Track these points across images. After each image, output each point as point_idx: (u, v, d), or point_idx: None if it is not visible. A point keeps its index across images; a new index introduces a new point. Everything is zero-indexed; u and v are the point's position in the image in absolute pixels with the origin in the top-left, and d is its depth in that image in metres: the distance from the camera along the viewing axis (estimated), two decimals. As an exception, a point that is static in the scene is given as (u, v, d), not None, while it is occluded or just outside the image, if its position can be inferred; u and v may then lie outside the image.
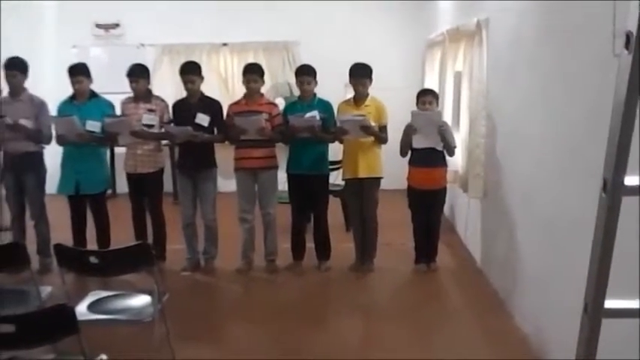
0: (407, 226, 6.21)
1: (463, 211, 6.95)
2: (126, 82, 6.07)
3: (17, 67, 6.03)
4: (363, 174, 5.89)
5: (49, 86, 6.35)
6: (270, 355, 4.46)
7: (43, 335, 2.88)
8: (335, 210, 6.79)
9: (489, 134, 5.62)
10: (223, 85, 9.57)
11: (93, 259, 3.85)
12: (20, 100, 6.04)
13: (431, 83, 7.86)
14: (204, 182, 6.02)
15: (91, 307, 3.92)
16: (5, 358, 3.19)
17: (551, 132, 4.08)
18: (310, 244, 6.23)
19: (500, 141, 5.41)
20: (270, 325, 5.00)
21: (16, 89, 6.06)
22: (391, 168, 6.15)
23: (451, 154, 5.85)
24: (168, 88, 8.58)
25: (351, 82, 5.90)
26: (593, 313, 1.63)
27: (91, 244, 6.06)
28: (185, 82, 5.97)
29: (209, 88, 6.20)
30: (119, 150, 7.41)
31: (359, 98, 5.90)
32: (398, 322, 5.01)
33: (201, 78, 6.02)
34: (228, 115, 6.01)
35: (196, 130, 5.83)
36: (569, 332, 3.37)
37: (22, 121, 5.92)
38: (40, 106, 6.08)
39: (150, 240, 6.01)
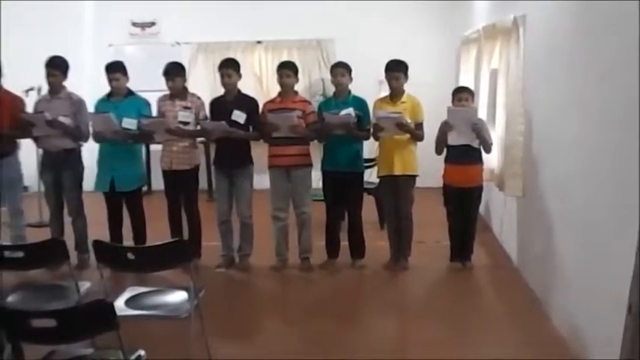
0: (442, 225, 6.18)
1: (499, 209, 6.89)
2: (162, 80, 6.10)
3: (58, 66, 6.11)
4: (398, 172, 5.87)
5: (87, 84, 6.41)
6: (304, 353, 4.45)
7: (82, 330, 2.91)
8: (369, 208, 6.76)
9: (526, 132, 5.56)
10: (258, 83, 9.60)
11: (131, 256, 3.89)
12: (59, 98, 6.13)
13: (466, 80, 7.80)
14: (241, 179, 6.04)
15: (129, 303, 3.95)
16: (45, 353, 3.24)
17: (588, 130, 4.03)
18: (344, 242, 6.23)
19: (537, 139, 5.35)
20: (304, 322, 5.01)
21: (56, 88, 6.15)
22: (427, 166, 6.11)
23: (488, 150, 5.80)
24: (203, 86, 8.68)
25: (386, 78, 5.88)
26: (639, 314, 1.61)
27: (127, 241, 6.12)
28: (222, 76, 5.98)
29: (244, 86, 6.20)
30: (155, 147, 7.49)
31: (395, 95, 5.87)
32: (432, 321, 4.99)
33: (239, 75, 6.04)
34: (262, 112, 6.03)
35: (232, 127, 5.85)
36: (607, 333, 3.35)
37: (61, 119, 6.01)
38: (78, 103, 6.16)
39: (185, 237, 6.05)
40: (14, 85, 6.42)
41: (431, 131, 5.90)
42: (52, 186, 6.28)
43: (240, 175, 6.03)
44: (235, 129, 5.87)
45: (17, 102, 6.27)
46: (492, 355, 4.33)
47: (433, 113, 6.02)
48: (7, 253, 4.02)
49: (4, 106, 6.11)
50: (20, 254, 3.99)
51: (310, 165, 6.08)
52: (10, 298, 3.99)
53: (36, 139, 6.29)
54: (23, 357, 3.40)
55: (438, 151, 5.91)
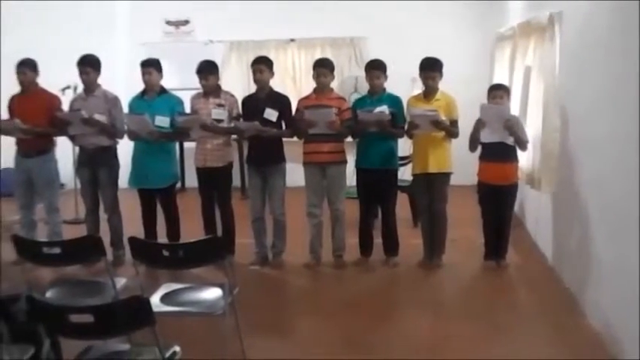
0: (476, 223, 6.13)
1: (533, 206, 6.82)
2: (195, 78, 6.12)
3: (90, 64, 6.17)
4: (432, 169, 5.84)
5: (121, 83, 6.47)
6: (337, 351, 4.44)
7: (120, 326, 2.94)
8: (402, 205, 6.73)
9: (561, 128, 5.49)
10: (291, 80, 9.62)
11: (167, 252, 3.92)
12: (95, 96, 6.20)
13: (500, 78, 7.72)
14: (274, 177, 6.05)
15: (164, 299, 3.97)
16: (83, 348, 3.27)
17: (624, 126, 3.97)
18: (378, 240, 6.21)
19: (573, 135, 5.29)
20: (338, 320, 5.00)
21: (90, 85, 6.22)
22: (461, 163, 6.06)
23: (523, 148, 5.73)
24: (236, 83, 8.72)
25: (421, 76, 5.85)
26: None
27: (161, 238, 6.16)
28: (254, 72, 6.00)
29: (276, 83, 6.22)
30: (188, 144, 7.55)
31: (429, 93, 5.84)
32: (467, 319, 4.95)
33: (272, 72, 6.05)
34: (297, 109, 6.03)
35: (264, 125, 5.86)
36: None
37: (97, 117, 6.07)
38: (113, 101, 6.22)
39: (219, 234, 6.07)
40: (51, 84, 6.52)
41: (465, 129, 5.85)
42: (88, 183, 6.35)
43: (273, 173, 6.04)
44: (268, 127, 5.88)
45: (54, 100, 6.37)
46: (527, 354, 4.30)
47: (467, 110, 5.96)
48: (44, 250, 4.08)
49: (41, 104, 6.21)
50: (57, 250, 4.04)
51: (345, 162, 6.07)
52: (49, 294, 4.05)
53: (72, 137, 6.38)
54: (61, 352, 3.45)
55: (472, 149, 5.86)
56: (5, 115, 6.34)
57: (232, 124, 6.11)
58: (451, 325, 4.86)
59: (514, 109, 6.64)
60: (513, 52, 7.15)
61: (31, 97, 6.27)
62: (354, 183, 6.23)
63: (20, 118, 6.10)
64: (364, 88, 6.31)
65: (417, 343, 4.55)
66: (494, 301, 5.37)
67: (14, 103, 6.33)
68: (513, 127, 5.58)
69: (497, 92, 5.74)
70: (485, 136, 5.70)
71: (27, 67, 6.24)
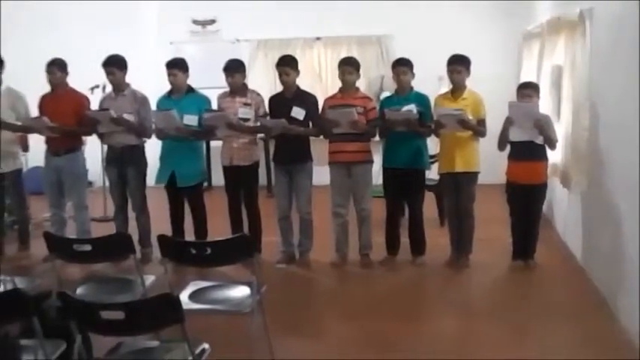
0: (504, 222, 6.08)
1: (562, 206, 6.76)
2: (222, 76, 6.15)
3: (115, 64, 6.22)
4: (459, 168, 5.81)
5: (149, 82, 6.51)
6: (364, 350, 4.44)
7: (150, 323, 2.96)
8: (429, 204, 6.70)
9: (592, 127, 5.43)
10: (317, 79, 9.61)
11: (195, 250, 3.94)
12: (123, 96, 6.25)
13: (528, 76, 7.65)
14: (300, 176, 6.06)
15: (192, 297, 4.00)
16: (113, 344, 3.30)
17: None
18: (405, 239, 6.19)
19: (603, 133, 5.23)
20: (365, 319, 4.99)
21: (119, 85, 6.27)
22: (489, 162, 6.03)
23: (552, 147, 5.67)
24: (262, 82, 8.74)
25: (448, 72, 5.82)
26: None
27: (188, 235, 6.19)
28: (280, 74, 6.02)
29: (303, 82, 6.22)
30: (215, 143, 7.58)
31: (456, 91, 5.81)
32: (494, 320, 4.92)
33: (297, 72, 6.06)
34: (323, 108, 6.03)
35: (291, 123, 5.87)
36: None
37: (125, 116, 6.12)
38: (142, 101, 6.27)
39: (245, 232, 6.09)
40: (79, 84, 6.58)
41: (492, 127, 5.82)
42: (116, 181, 6.40)
43: (299, 172, 6.05)
44: (295, 126, 5.89)
45: (82, 100, 6.44)
46: (555, 355, 4.28)
47: (495, 109, 5.93)
48: (75, 247, 4.12)
49: (70, 104, 6.28)
50: (88, 247, 4.08)
51: (371, 161, 6.06)
52: (79, 291, 4.09)
53: (101, 136, 6.43)
54: (91, 348, 3.49)
55: (500, 147, 5.81)
56: (35, 115, 6.41)
57: (258, 123, 6.13)
58: (479, 325, 4.83)
59: (543, 107, 6.58)
60: (542, 50, 7.09)
61: (60, 96, 6.35)
62: (380, 182, 6.23)
63: (50, 118, 6.18)
64: (389, 87, 6.28)
65: (444, 343, 4.55)
66: (523, 301, 5.33)
67: (44, 103, 6.41)
68: (543, 125, 5.53)
69: (527, 91, 5.68)
70: (514, 135, 5.65)
71: (56, 67, 6.32)
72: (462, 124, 5.64)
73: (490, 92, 6.12)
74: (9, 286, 4.00)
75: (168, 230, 6.13)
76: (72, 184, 6.43)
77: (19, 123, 6.44)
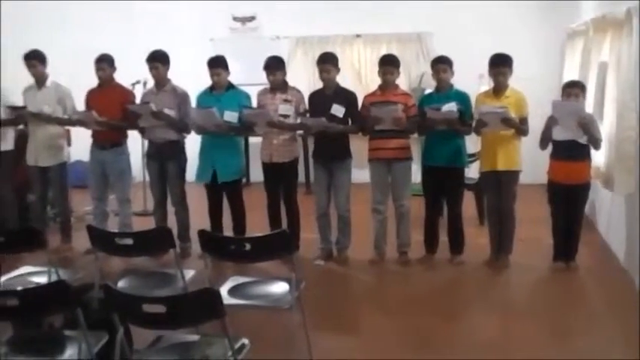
0: (544, 222, 6.01)
1: (605, 207, 6.65)
2: (261, 73, 6.16)
3: (159, 59, 6.28)
4: (501, 167, 5.74)
5: (189, 78, 6.56)
6: (402, 348, 4.43)
7: (190, 317, 2.98)
8: (468, 203, 6.64)
9: (638, 127, 5.33)
10: (356, 76, 9.59)
11: (235, 246, 3.96)
12: (164, 91, 6.31)
13: (570, 74, 7.54)
14: (339, 172, 6.05)
15: (231, 292, 4.02)
16: (153, 338, 3.33)
17: None
18: (443, 238, 6.15)
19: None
20: (402, 317, 4.98)
21: (160, 81, 6.33)
22: (531, 161, 5.96)
23: (597, 147, 5.57)
24: (302, 79, 8.73)
25: (490, 72, 5.75)
26: None
27: (227, 231, 6.22)
28: (321, 72, 6.01)
29: (342, 79, 6.21)
30: (253, 140, 7.61)
31: (498, 89, 5.75)
32: (534, 320, 4.86)
33: (338, 69, 6.05)
34: (363, 105, 6.01)
35: (331, 120, 5.87)
36: None
37: (166, 111, 6.17)
38: (182, 96, 6.31)
39: (284, 229, 6.10)
40: (121, 79, 6.65)
41: (534, 126, 5.74)
42: (156, 176, 6.46)
43: (339, 169, 6.04)
44: (334, 123, 5.88)
45: (128, 95, 6.54)
46: (596, 356, 4.19)
47: (536, 108, 5.86)
48: (117, 240, 4.16)
49: (116, 98, 6.36)
50: (129, 241, 4.12)
51: (410, 159, 6.03)
52: (120, 284, 4.13)
53: (142, 131, 6.50)
54: (132, 340, 3.53)
55: (543, 146, 5.73)
56: (82, 109, 6.50)
57: (298, 120, 6.14)
58: (518, 326, 4.79)
59: (588, 107, 6.48)
60: (586, 48, 6.97)
61: (107, 91, 6.44)
62: (419, 180, 6.19)
63: (97, 112, 6.26)
64: (429, 84, 6.24)
65: (483, 343, 4.50)
66: (563, 302, 5.26)
67: (91, 98, 6.50)
68: (587, 125, 5.43)
69: (573, 90, 5.58)
70: (558, 134, 5.57)
71: (105, 63, 6.41)
72: (505, 123, 5.58)
73: (532, 91, 6.04)
74: (53, 278, 4.08)
75: (206, 225, 6.15)
76: (116, 178, 6.51)
77: (66, 117, 6.54)
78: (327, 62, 6.00)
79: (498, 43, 6.16)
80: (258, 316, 4.37)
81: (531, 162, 5.98)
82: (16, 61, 6.65)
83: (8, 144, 6.71)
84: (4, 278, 4.30)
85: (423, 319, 4.92)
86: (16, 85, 6.73)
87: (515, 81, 5.82)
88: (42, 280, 4.14)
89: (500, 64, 5.68)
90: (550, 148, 5.72)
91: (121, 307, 3.06)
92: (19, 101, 6.60)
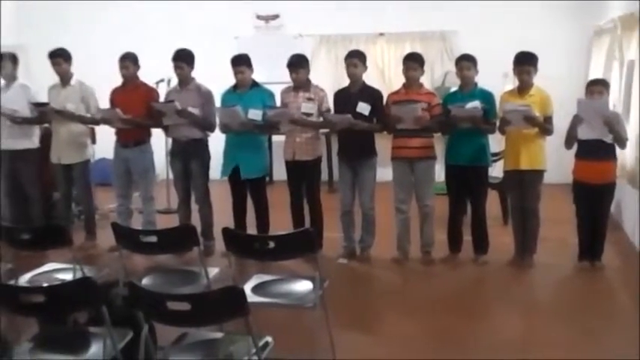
0: (569, 222, 5.97)
1: (631, 207, 6.57)
2: (284, 71, 6.16)
3: (184, 58, 6.30)
4: (525, 166, 5.70)
5: (213, 76, 6.57)
6: (425, 347, 4.40)
7: (215, 314, 2.98)
8: (492, 202, 6.60)
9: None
10: (380, 75, 9.56)
11: (259, 244, 3.96)
12: (188, 90, 6.33)
13: (597, 72, 7.47)
14: (364, 171, 6.03)
15: (255, 290, 4.02)
16: (177, 335, 3.34)
17: None
18: (467, 237, 6.12)
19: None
20: (426, 317, 4.95)
21: (184, 79, 6.35)
22: (556, 161, 5.90)
23: (622, 146, 5.52)
24: (325, 78, 8.71)
25: (515, 70, 5.70)
26: None
27: (250, 229, 6.23)
28: (348, 66, 5.99)
29: (365, 78, 6.17)
30: (276, 138, 7.61)
31: (523, 88, 5.70)
32: (559, 321, 4.82)
33: (365, 66, 6.04)
34: (386, 104, 5.99)
35: (356, 118, 5.85)
36: None
37: (190, 109, 6.19)
38: (206, 95, 6.33)
39: (306, 227, 6.09)
40: (145, 78, 6.68)
41: (558, 125, 5.69)
42: (180, 174, 6.49)
43: (363, 167, 6.03)
44: (359, 121, 5.87)
45: (152, 93, 6.57)
46: (622, 357, 4.15)
47: (562, 106, 5.80)
48: (141, 237, 4.18)
49: (141, 97, 6.40)
50: (154, 239, 4.14)
51: (434, 158, 6.00)
52: (144, 281, 4.15)
53: (166, 129, 6.53)
54: (156, 337, 3.54)
55: (568, 146, 5.68)
56: (107, 107, 6.54)
57: (321, 118, 6.13)
58: (543, 326, 4.74)
59: (614, 105, 6.42)
60: (613, 46, 6.90)
61: (131, 89, 6.47)
62: (443, 178, 6.16)
63: (121, 110, 6.30)
64: (452, 83, 6.20)
65: (507, 343, 4.46)
66: (588, 302, 5.21)
67: (115, 96, 6.55)
68: (613, 123, 5.37)
69: (596, 87, 5.52)
70: (583, 133, 5.51)
71: (129, 61, 6.44)
72: (529, 121, 5.54)
73: (558, 89, 5.99)
74: (78, 275, 4.11)
75: (229, 223, 6.17)
76: (140, 176, 6.55)
77: (89, 115, 6.59)
78: (355, 57, 5.99)
79: (523, 42, 6.10)
80: (281, 314, 4.36)
81: (557, 161, 5.94)
82: (42, 60, 6.69)
83: (34, 142, 6.78)
84: (29, 275, 4.35)
85: (446, 318, 4.90)
86: (42, 85, 6.79)
87: (540, 79, 5.76)
88: (67, 276, 4.17)
89: (525, 62, 5.63)
90: (575, 147, 5.66)
91: (145, 304, 3.07)
92: (45, 100, 6.65)
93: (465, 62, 5.82)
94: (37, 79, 7.04)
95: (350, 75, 6.01)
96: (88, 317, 3.59)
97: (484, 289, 5.69)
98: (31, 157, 6.74)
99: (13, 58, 6.71)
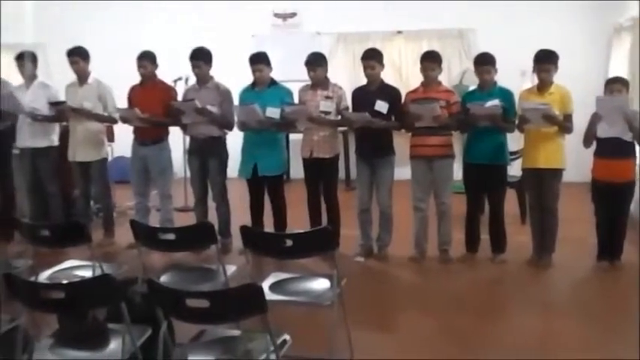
0: (587, 221, 5.92)
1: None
2: (302, 69, 6.16)
3: (202, 57, 6.32)
4: (543, 164, 5.67)
5: (230, 74, 6.58)
6: (442, 346, 4.39)
7: (233, 312, 2.98)
8: (510, 201, 6.56)
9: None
10: (397, 73, 9.55)
11: (277, 242, 3.97)
12: (207, 88, 6.34)
13: (617, 70, 7.41)
14: (382, 169, 6.02)
15: (272, 288, 4.01)
16: (195, 332, 3.35)
17: None
18: (485, 236, 6.09)
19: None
20: (443, 316, 4.94)
21: (203, 78, 6.37)
22: (575, 159, 5.86)
23: (643, 144, 5.48)
24: (343, 75, 8.73)
25: (535, 68, 5.67)
26: None
27: (267, 227, 6.23)
28: (365, 68, 5.99)
29: (383, 76, 6.16)
30: (294, 136, 7.62)
31: (543, 86, 5.66)
32: (577, 321, 4.78)
33: (382, 65, 6.03)
34: (404, 102, 5.98)
35: (374, 116, 5.84)
36: None
37: (209, 107, 6.20)
38: (225, 93, 6.34)
39: (323, 225, 6.09)
40: (162, 76, 6.70)
41: (578, 124, 5.65)
42: (198, 172, 6.51)
43: (381, 165, 6.02)
44: (377, 119, 5.86)
45: (170, 92, 6.60)
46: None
47: (581, 104, 5.76)
48: (159, 235, 4.19)
49: (159, 95, 6.43)
50: (172, 236, 4.15)
51: (452, 156, 5.99)
52: (163, 278, 4.16)
53: (184, 127, 6.55)
54: (174, 334, 3.55)
55: (587, 144, 5.65)
56: (125, 105, 6.58)
57: (339, 117, 6.12)
58: (561, 325, 4.72)
59: (636, 104, 6.36)
60: (634, 44, 6.83)
61: (149, 88, 6.51)
62: (461, 177, 6.14)
63: (139, 108, 6.33)
64: (472, 80, 6.16)
65: (524, 343, 4.43)
66: (607, 303, 5.17)
67: (133, 94, 6.59)
68: (633, 121, 5.32)
69: (615, 85, 5.48)
70: (602, 131, 5.47)
71: (147, 60, 6.47)
72: (547, 119, 5.50)
73: (576, 87, 5.92)
74: (97, 272, 4.13)
75: (246, 221, 6.16)
76: (157, 174, 6.58)
77: (106, 114, 6.62)
78: (372, 58, 5.97)
79: (542, 40, 6.07)
80: (299, 312, 4.36)
81: (576, 160, 5.88)
82: (61, 59, 6.74)
83: (53, 140, 6.83)
84: (49, 272, 4.38)
85: (463, 318, 4.87)
86: (62, 83, 6.84)
87: (560, 77, 5.72)
88: (86, 273, 4.19)
89: (545, 60, 5.59)
90: (594, 145, 5.62)
91: (164, 301, 3.08)
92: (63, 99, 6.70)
93: (485, 65, 5.77)
94: (56, 78, 7.08)
95: (367, 76, 6.02)
96: (107, 314, 3.61)
97: (502, 289, 5.66)
98: (50, 155, 6.80)
99: (33, 57, 6.77)
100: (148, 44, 6.72)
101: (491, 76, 5.78)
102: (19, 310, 3.34)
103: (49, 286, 3.41)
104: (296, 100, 6.28)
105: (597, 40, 8.80)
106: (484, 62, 5.79)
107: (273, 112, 6.04)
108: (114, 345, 3.25)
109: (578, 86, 6.03)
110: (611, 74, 7.07)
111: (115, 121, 6.74)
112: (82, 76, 6.64)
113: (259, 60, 6.21)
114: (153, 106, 6.38)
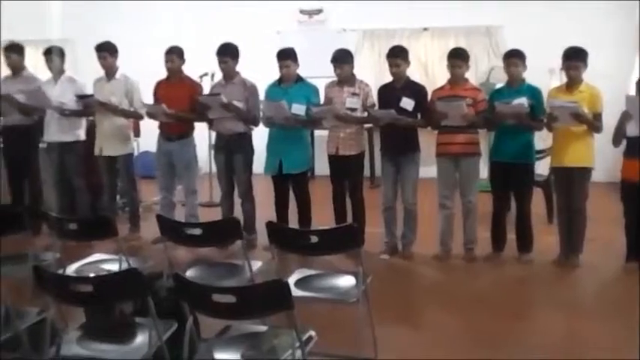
0: (616, 222, 5.84)
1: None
2: (328, 66, 6.14)
3: (229, 53, 6.33)
4: (572, 163, 5.60)
5: (256, 71, 6.59)
6: (467, 345, 4.37)
7: (259, 307, 2.98)
8: (537, 200, 6.50)
9: None
10: (423, 70, 9.50)
11: (302, 238, 3.96)
12: (233, 84, 6.36)
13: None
14: (407, 166, 6.00)
15: (298, 284, 4.01)
16: (221, 327, 3.36)
17: None
18: (511, 235, 6.04)
19: None
20: (468, 315, 4.90)
21: (229, 74, 6.38)
22: (604, 159, 5.79)
23: (674, 143, 5.40)
24: (368, 72, 8.71)
25: (564, 66, 5.60)
26: None
27: (292, 223, 6.22)
28: (391, 65, 5.96)
29: (409, 73, 6.13)
30: (319, 132, 7.62)
31: (572, 84, 5.60)
32: (604, 322, 4.72)
33: (408, 63, 6.00)
34: (431, 100, 5.94)
35: (400, 114, 5.82)
36: None
37: (235, 103, 6.21)
38: (251, 89, 6.35)
39: (348, 222, 6.08)
40: (189, 72, 6.72)
41: (608, 123, 5.58)
42: (223, 168, 6.52)
43: (406, 162, 5.99)
44: (403, 116, 5.83)
45: (196, 87, 6.61)
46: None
47: (611, 103, 5.69)
48: (185, 230, 4.21)
49: (185, 91, 6.45)
50: (198, 231, 4.15)
51: (479, 154, 5.95)
52: (188, 273, 4.17)
53: (210, 122, 6.57)
54: (199, 329, 3.56)
55: (616, 143, 5.57)
56: (151, 100, 6.61)
57: (365, 113, 6.11)
58: (587, 327, 4.67)
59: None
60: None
61: (175, 83, 6.52)
62: (487, 175, 6.09)
63: (165, 104, 6.35)
64: (499, 78, 6.11)
65: (550, 344, 4.38)
66: (635, 304, 5.06)
67: (159, 89, 6.61)
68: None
69: (646, 84, 5.42)
70: (632, 130, 5.40)
71: (175, 55, 6.49)
72: (576, 118, 5.43)
73: (606, 85, 5.85)
74: (124, 266, 4.15)
75: (271, 217, 6.14)
76: (183, 169, 6.61)
77: (132, 109, 6.66)
78: (397, 56, 5.95)
79: (570, 37, 5.98)
80: (324, 309, 4.35)
81: (605, 159, 5.82)
82: (89, 54, 6.78)
83: (81, 135, 6.89)
84: (76, 265, 4.41)
85: (488, 317, 4.83)
86: (89, 78, 6.89)
87: (588, 76, 5.65)
88: (113, 267, 4.22)
89: (574, 57, 5.53)
90: (624, 145, 5.55)
91: (190, 296, 3.08)
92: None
93: (514, 59, 5.73)
94: (84, 73, 7.13)
95: (393, 74, 5.99)
96: (134, 308, 3.63)
97: (528, 289, 5.61)
98: (77, 149, 6.86)
99: (61, 53, 6.84)
100: (175, 40, 6.73)
101: (519, 70, 5.73)
102: (47, 303, 3.36)
103: (77, 280, 3.43)
104: (322, 96, 6.27)
105: (627, 39, 8.69)
106: (512, 55, 5.76)
107: (299, 109, 6.04)
108: (140, 339, 3.26)
109: (607, 84, 5.96)
110: (641, 72, 6.97)
111: (141, 117, 6.78)
112: (110, 72, 6.68)
113: (287, 56, 6.21)
114: (179, 102, 6.40)
